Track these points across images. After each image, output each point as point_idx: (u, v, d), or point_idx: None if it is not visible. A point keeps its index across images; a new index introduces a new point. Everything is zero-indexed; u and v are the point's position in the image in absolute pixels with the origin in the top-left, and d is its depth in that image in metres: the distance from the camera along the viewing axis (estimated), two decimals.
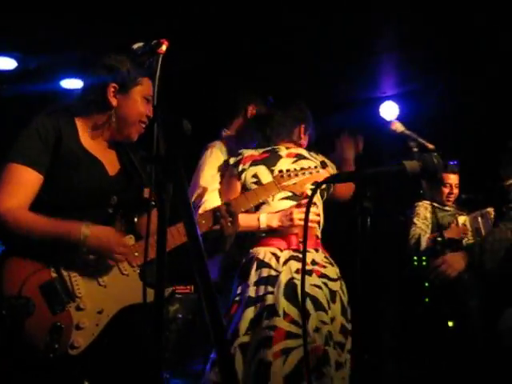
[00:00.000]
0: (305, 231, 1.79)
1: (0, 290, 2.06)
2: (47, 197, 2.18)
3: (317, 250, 2.98)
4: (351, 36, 4.63)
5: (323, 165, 2.93)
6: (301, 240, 2.90)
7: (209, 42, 4.66)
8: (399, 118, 3.23)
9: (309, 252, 2.92)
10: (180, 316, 5.29)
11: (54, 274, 2.13)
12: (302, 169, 2.76)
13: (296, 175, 2.71)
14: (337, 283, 2.95)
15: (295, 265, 2.86)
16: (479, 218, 4.80)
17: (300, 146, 3.22)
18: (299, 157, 3.10)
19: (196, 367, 4.21)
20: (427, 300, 4.58)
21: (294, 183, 2.71)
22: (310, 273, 2.86)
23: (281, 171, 2.76)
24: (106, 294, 2.18)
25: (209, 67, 4.97)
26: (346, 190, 3.28)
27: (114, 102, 2.28)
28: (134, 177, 2.38)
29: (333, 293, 2.89)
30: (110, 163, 2.36)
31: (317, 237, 3.04)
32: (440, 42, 4.77)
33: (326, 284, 2.88)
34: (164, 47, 1.73)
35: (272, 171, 2.99)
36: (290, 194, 2.92)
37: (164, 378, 4.44)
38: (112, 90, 2.27)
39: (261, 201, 2.69)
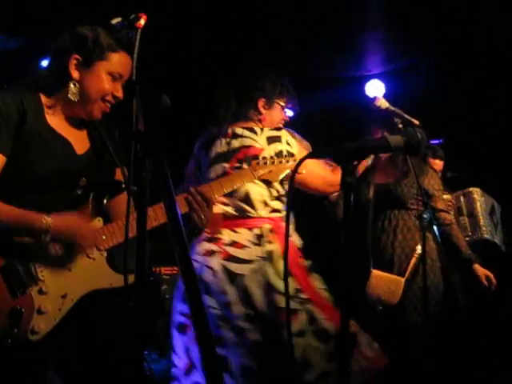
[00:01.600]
0: (287, 220, 1.72)
1: None
2: (12, 179, 2.06)
3: (234, 231, 2.83)
4: (337, 14, 4.60)
5: (269, 141, 2.84)
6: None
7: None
8: (385, 97, 3.19)
9: (225, 234, 2.82)
10: (167, 297, 5.31)
11: (15, 255, 2.03)
12: (278, 157, 2.68)
13: (272, 163, 2.63)
14: (247, 266, 2.75)
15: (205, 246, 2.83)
16: (461, 197, 4.83)
17: (259, 122, 2.99)
18: (234, 136, 2.93)
19: None
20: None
21: (270, 171, 2.62)
22: (214, 253, 2.78)
23: (256, 158, 2.68)
24: (71, 278, 2.09)
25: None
26: (317, 181, 3.01)
27: (75, 74, 2.12)
28: (104, 157, 2.26)
29: (232, 276, 2.74)
30: (79, 142, 2.22)
31: (227, 217, 2.87)
32: (425, 20, 4.75)
33: (225, 267, 2.75)
34: (142, 21, 1.68)
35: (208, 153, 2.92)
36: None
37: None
38: (74, 61, 2.12)
39: (235, 187, 2.56)
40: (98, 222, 2.17)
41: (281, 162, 2.65)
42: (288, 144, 2.86)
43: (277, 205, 2.86)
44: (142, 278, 1.33)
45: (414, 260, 3.49)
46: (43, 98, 2.16)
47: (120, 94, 2.16)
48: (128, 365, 1.41)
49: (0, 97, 2.07)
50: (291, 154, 2.75)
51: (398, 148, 1.59)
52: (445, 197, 4.87)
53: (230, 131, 2.95)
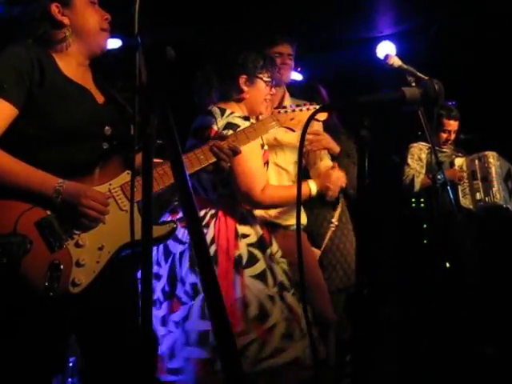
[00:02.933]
0: (298, 188, 1.66)
1: None
2: (38, 133, 2.06)
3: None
4: None
5: (226, 127, 2.72)
6: None
7: None
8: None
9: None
10: None
11: (49, 211, 2.02)
12: (297, 105, 2.67)
13: (293, 110, 2.62)
14: (179, 246, 2.75)
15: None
16: (476, 161, 4.78)
17: (240, 101, 2.87)
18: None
19: None
20: (425, 241, 4.57)
21: (292, 119, 2.61)
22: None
23: (277, 107, 2.64)
24: (106, 231, 2.08)
25: None
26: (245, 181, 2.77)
27: (65, 20, 2.16)
28: (122, 109, 2.27)
29: (167, 252, 2.76)
30: (96, 93, 2.25)
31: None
32: None
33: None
34: None
35: None
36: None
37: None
38: (56, 9, 2.16)
39: (260, 137, 2.56)
40: (127, 175, 2.15)
41: (301, 110, 2.64)
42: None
43: (227, 190, 2.80)
44: (147, 240, 1.28)
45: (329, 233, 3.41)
46: (51, 52, 2.17)
47: (108, 15, 2.24)
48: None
49: (13, 50, 2.08)
50: (310, 103, 2.72)
51: (413, 100, 1.52)
52: (458, 160, 4.81)
53: (205, 110, 2.86)
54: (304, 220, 3.19)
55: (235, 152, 2.39)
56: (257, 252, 2.75)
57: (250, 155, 2.68)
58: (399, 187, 4.78)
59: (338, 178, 2.93)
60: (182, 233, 2.73)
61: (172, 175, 2.10)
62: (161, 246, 2.77)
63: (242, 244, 2.74)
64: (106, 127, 2.19)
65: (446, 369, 3.69)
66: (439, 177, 3.08)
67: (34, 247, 1.97)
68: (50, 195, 2.00)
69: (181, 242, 2.74)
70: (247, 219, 2.81)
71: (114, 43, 4.60)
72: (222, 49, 3.00)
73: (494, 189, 4.63)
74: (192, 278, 2.66)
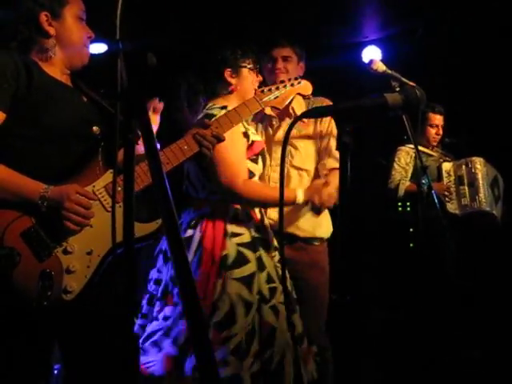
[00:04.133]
0: (281, 188, 1.65)
1: None
2: (26, 132, 2.06)
3: (184, 211, 2.81)
4: None
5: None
6: None
7: None
8: (382, 62, 3.10)
9: (183, 213, 2.81)
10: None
11: (34, 220, 2.02)
12: (282, 82, 2.64)
13: (277, 88, 2.58)
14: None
15: None
16: (463, 166, 4.79)
17: (231, 93, 2.82)
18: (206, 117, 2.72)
19: None
20: (412, 245, 4.59)
21: (276, 97, 2.57)
22: None
23: (260, 86, 2.62)
24: (94, 234, 2.08)
25: None
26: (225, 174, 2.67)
27: (51, 30, 2.19)
28: (104, 110, 2.28)
29: (166, 256, 2.73)
30: (81, 94, 2.27)
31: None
32: None
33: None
34: None
35: None
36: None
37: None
38: (45, 18, 2.17)
39: (243, 119, 2.50)
40: (111, 175, 2.14)
41: (285, 87, 2.59)
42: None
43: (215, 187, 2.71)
44: (129, 241, 1.28)
45: None
46: (35, 58, 2.19)
47: (92, 34, 2.27)
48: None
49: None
50: (295, 78, 2.69)
51: (396, 106, 1.53)
52: (446, 165, 4.83)
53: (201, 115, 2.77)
54: (327, 233, 3.17)
55: (219, 139, 2.36)
56: (248, 253, 2.63)
57: (230, 144, 2.57)
58: (384, 191, 4.78)
59: (330, 196, 2.76)
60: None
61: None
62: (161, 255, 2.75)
63: (231, 243, 2.62)
64: (95, 127, 2.20)
65: (432, 373, 3.71)
66: (424, 181, 3.08)
67: (23, 258, 1.96)
68: (35, 202, 2.00)
69: None
70: (241, 218, 2.71)
71: (99, 48, 4.61)
72: (200, 53, 2.99)
73: (480, 195, 4.65)
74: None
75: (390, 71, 2.96)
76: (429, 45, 5.37)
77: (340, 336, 1.65)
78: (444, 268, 4.25)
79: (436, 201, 3.18)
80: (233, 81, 2.81)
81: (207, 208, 2.70)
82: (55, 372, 3.19)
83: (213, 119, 2.51)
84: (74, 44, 2.22)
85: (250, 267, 2.61)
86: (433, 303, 4.13)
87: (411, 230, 4.67)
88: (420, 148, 4.87)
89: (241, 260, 2.61)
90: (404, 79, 2.92)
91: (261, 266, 2.64)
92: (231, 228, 2.66)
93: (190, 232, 2.66)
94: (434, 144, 4.97)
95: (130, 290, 1.29)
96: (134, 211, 1.27)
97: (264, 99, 2.55)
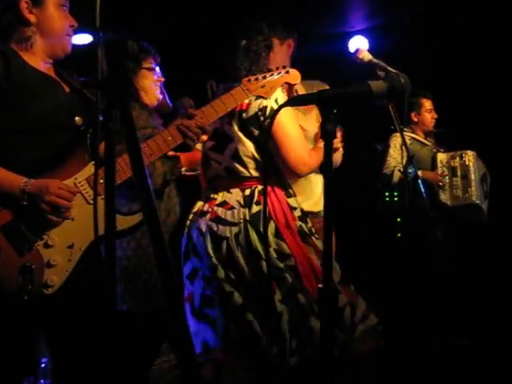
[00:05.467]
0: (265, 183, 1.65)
1: None
2: (7, 127, 2.03)
3: (229, 191, 2.76)
4: None
5: (256, 96, 2.67)
6: None
7: None
8: (369, 51, 3.08)
9: (220, 194, 2.77)
10: None
11: (14, 213, 1.99)
12: (269, 70, 2.59)
13: (264, 77, 2.54)
14: (231, 228, 2.68)
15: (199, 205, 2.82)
16: (457, 158, 4.82)
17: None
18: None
19: None
20: (399, 235, 4.60)
21: (263, 86, 2.53)
22: (205, 214, 2.75)
23: (247, 75, 2.57)
24: (75, 228, 2.05)
25: None
26: (290, 153, 2.73)
27: (31, 18, 2.13)
28: (87, 99, 2.23)
29: (216, 238, 2.69)
30: (63, 84, 2.22)
31: (221, 177, 2.83)
32: None
33: (210, 228, 2.70)
34: None
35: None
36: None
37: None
38: (25, 5, 2.12)
39: (229, 109, 2.46)
40: (93, 167, 2.10)
41: (272, 76, 2.55)
42: (275, 101, 2.70)
43: (270, 164, 2.74)
44: (111, 233, 1.26)
45: None
46: (14, 47, 2.14)
47: (75, 22, 2.21)
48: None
49: None
50: (283, 66, 2.64)
51: (380, 94, 1.52)
52: (440, 155, 4.84)
53: None
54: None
55: (204, 130, 2.33)
56: (304, 225, 2.74)
57: (290, 121, 2.68)
58: (378, 177, 4.78)
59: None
60: (229, 215, 2.68)
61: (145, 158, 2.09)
62: (207, 235, 2.70)
63: (296, 216, 2.74)
64: (77, 117, 2.16)
65: (420, 362, 3.72)
66: (410, 170, 3.08)
67: (3, 252, 1.94)
68: (16, 195, 1.97)
69: (231, 224, 2.67)
70: (292, 193, 2.80)
71: (83, 38, 4.56)
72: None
73: (472, 188, 4.69)
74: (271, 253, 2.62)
75: (376, 60, 2.94)
76: (416, 34, 5.37)
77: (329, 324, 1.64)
78: (430, 257, 4.26)
79: (423, 190, 3.18)
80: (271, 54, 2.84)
81: (261, 185, 2.71)
82: (42, 366, 3.18)
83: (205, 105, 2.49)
84: (56, 33, 2.17)
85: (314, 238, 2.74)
86: (420, 292, 4.14)
87: (398, 219, 4.68)
88: (415, 137, 4.92)
89: (308, 230, 2.73)
90: (390, 68, 2.90)
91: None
92: (290, 202, 2.75)
93: (256, 208, 2.67)
94: (432, 129, 4.99)
95: (110, 283, 1.28)
96: (115, 203, 1.25)
97: (250, 88, 2.51)
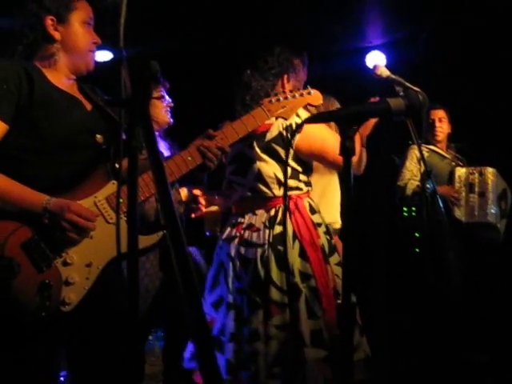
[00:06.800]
0: (285, 191, 1.65)
1: None
2: (28, 142, 2.05)
3: (254, 213, 2.79)
4: None
5: None
6: None
7: None
8: (386, 67, 3.09)
9: (246, 217, 2.81)
10: None
11: (34, 230, 2.01)
12: (291, 91, 2.55)
13: (285, 98, 2.50)
14: (257, 250, 2.71)
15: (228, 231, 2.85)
16: (476, 174, 4.71)
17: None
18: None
19: None
20: (417, 250, 4.57)
21: (284, 107, 2.49)
22: (233, 238, 2.78)
23: (269, 96, 2.54)
24: (94, 246, 2.06)
25: None
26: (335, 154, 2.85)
27: (56, 35, 2.16)
28: (108, 116, 2.25)
29: (244, 261, 2.72)
30: (84, 101, 2.24)
31: (246, 199, 2.86)
32: None
33: (239, 252, 2.74)
34: None
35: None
36: None
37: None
38: (50, 22, 2.15)
39: (249, 130, 2.43)
40: (113, 185, 2.12)
41: (294, 97, 2.52)
42: (297, 116, 2.73)
43: (293, 182, 2.78)
44: (134, 252, 1.28)
45: None
46: (38, 64, 2.17)
47: (99, 40, 2.24)
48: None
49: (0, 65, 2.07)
50: (305, 87, 2.65)
51: (398, 111, 1.53)
52: (459, 170, 4.76)
53: None
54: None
55: (224, 151, 2.32)
56: (330, 240, 2.79)
57: (321, 132, 2.73)
58: (394, 188, 4.75)
59: None
60: (255, 236, 2.72)
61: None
62: (236, 260, 2.74)
63: (321, 233, 2.76)
64: (98, 135, 2.18)
65: (439, 377, 3.69)
66: (428, 186, 3.06)
67: (22, 269, 1.95)
68: (38, 213, 1.99)
69: (256, 246, 2.70)
70: (315, 209, 2.83)
71: (104, 56, 4.63)
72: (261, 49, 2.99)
73: (488, 206, 4.60)
74: (284, 280, 2.63)
75: (393, 76, 2.94)
76: (433, 49, 5.37)
77: (347, 339, 1.64)
78: (447, 273, 4.23)
79: (441, 206, 3.16)
80: (286, 85, 2.90)
81: (284, 203, 2.74)
82: (61, 379, 3.20)
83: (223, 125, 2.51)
84: (79, 49, 2.20)
85: (336, 255, 2.78)
86: (439, 307, 4.11)
87: (417, 234, 4.65)
88: (433, 148, 4.83)
89: (332, 248, 2.77)
90: (408, 84, 2.91)
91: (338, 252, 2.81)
92: (314, 218, 2.78)
93: (279, 228, 2.70)
94: (440, 139, 4.90)
95: (133, 302, 1.30)
96: (137, 221, 1.27)
97: (272, 109, 2.48)
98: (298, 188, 2.79)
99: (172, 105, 3.41)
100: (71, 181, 2.10)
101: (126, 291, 1.31)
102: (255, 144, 2.77)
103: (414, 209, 4.73)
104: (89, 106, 2.24)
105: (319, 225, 2.78)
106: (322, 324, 2.59)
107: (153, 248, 2.18)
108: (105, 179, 2.13)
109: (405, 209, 4.80)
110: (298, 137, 2.69)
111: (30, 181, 2.03)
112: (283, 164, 2.73)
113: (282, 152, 2.73)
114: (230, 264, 2.75)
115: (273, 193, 2.77)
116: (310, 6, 4.84)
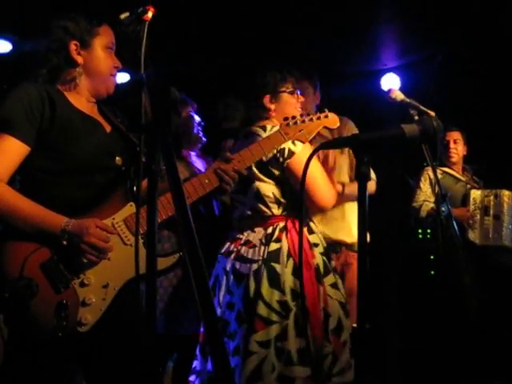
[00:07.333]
0: (300, 208, 1.69)
1: (1, 274, 1.99)
2: (49, 165, 2.10)
3: (253, 231, 2.82)
4: (351, 8, 4.54)
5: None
6: None
7: None
8: (401, 90, 3.12)
9: (245, 234, 2.84)
10: None
11: (53, 251, 2.05)
12: (308, 115, 2.56)
13: (303, 121, 2.51)
14: (251, 265, 2.73)
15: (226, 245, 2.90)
16: (492, 197, 4.68)
17: (270, 118, 2.90)
18: (245, 136, 2.86)
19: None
20: (432, 272, 4.55)
21: (301, 130, 2.51)
22: (230, 253, 2.82)
23: (286, 119, 2.54)
24: (111, 267, 2.09)
25: None
26: (319, 191, 2.77)
27: (79, 59, 2.22)
28: (127, 138, 2.30)
29: (238, 276, 2.75)
30: (104, 123, 2.29)
31: (246, 217, 2.89)
32: (439, 12, 4.67)
33: (234, 266, 2.77)
34: (150, 14, 1.67)
35: None
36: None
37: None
38: (74, 47, 2.22)
39: (267, 154, 2.48)
40: (131, 207, 2.15)
41: (311, 120, 2.54)
42: (292, 143, 2.74)
43: (290, 203, 2.82)
44: (153, 274, 1.31)
45: None
46: (60, 87, 2.23)
47: (120, 64, 2.28)
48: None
49: (23, 87, 2.12)
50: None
51: (413, 137, 1.55)
52: (474, 193, 4.73)
53: (243, 133, 2.91)
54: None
55: (241, 174, 2.35)
56: (327, 261, 2.82)
57: (315, 165, 2.73)
58: (408, 210, 4.73)
59: None
60: (251, 252, 2.75)
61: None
62: (230, 274, 2.78)
63: (316, 253, 2.78)
64: (117, 157, 2.22)
65: None
66: (443, 209, 3.07)
67: (41, 289, 1.99)
68: (57, 234, 2.03)
69: (251, 261, 2.73)
70: (314, 230, 2.87)
71: (122, 77, 4.69)
72: (243, 78, 3.05)
73: (503, 229, 4.57)
74: (277, 296, 2.64)
75: (408, 100, 2.98)
76: (448, 72, 5.39)
77: (360, 364, 1.65)
78: (462, 296, 4.20)
79: (456, 229, 3.15)
80: (272, 107, 2.89)
81: (284, 222, 2.79)
82: None
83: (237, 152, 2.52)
84: (101, 73, 2.26)
85: (332, 274, 2.80)
86: (454, 331, 4.08)
87: (432, 257, 4.63)
88: (448, 171, 4.83)
89: (327, 268, 2.79)
90: (423, 107, 2.94)
91: (335, 272, 2.88)
92: (311, 239, 2.81)
93: (275, 245, 2.73)
94: (455, 161, 4.90)
95: (150, 324, 1.32)
96: (156, 243, 1.30)
97: (289, 133, 2.50)
98: (297, 207, 2.81)
99: (202, 124, 3.46)
100: (90, 202, 2.13)
101: (142, 312, 1.34)
102: (253, 164, 2.80)
103: (428, 231, 4.72)
104: (108, 128, 2.29)
105: (316, 245, 2.81)
106: (309, 342, 2.60)
107: (170, 270, 2.22)
108: (123, 201, 2.17)
109: (420, 231, 4.79)
110: (291, 161, 2.73)
111: (49, 202, 2.07)
112: (280, 184, 2.79)
113: (277, 174, 2.78)
114: (224, 278, 2.79)
115: (271, 212, 2.81)
116: (325, 29, 4.88)
